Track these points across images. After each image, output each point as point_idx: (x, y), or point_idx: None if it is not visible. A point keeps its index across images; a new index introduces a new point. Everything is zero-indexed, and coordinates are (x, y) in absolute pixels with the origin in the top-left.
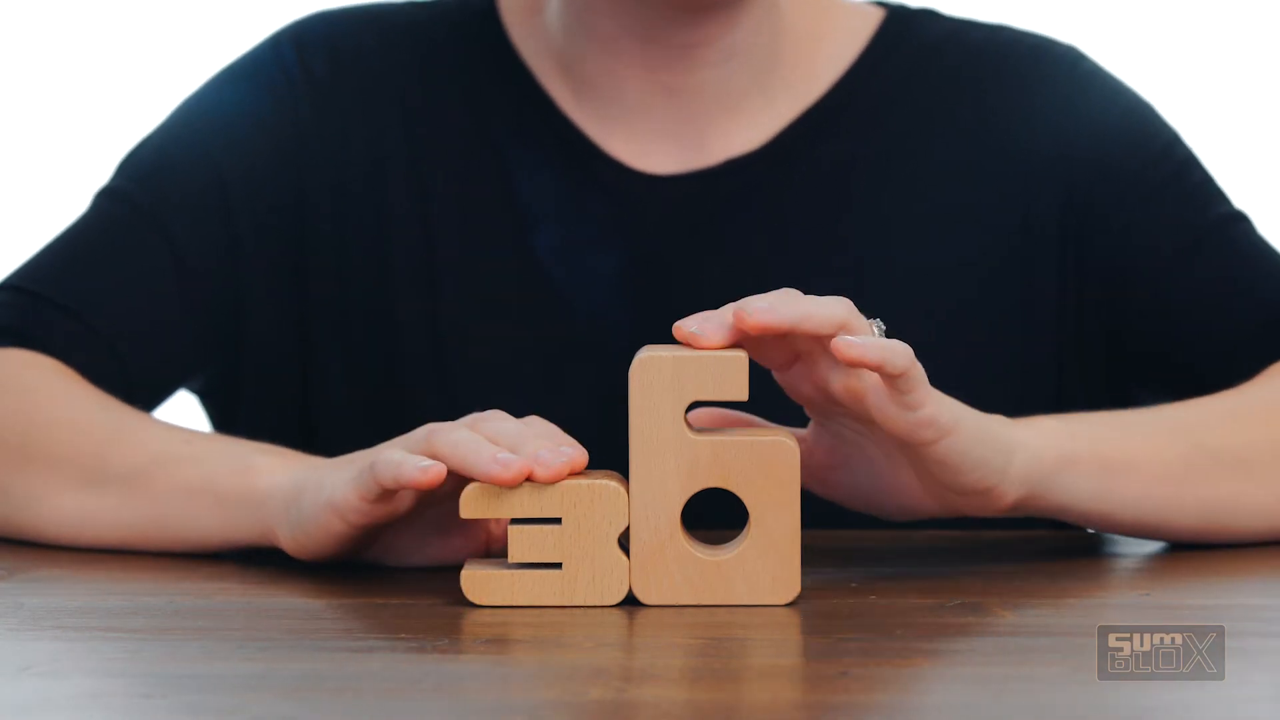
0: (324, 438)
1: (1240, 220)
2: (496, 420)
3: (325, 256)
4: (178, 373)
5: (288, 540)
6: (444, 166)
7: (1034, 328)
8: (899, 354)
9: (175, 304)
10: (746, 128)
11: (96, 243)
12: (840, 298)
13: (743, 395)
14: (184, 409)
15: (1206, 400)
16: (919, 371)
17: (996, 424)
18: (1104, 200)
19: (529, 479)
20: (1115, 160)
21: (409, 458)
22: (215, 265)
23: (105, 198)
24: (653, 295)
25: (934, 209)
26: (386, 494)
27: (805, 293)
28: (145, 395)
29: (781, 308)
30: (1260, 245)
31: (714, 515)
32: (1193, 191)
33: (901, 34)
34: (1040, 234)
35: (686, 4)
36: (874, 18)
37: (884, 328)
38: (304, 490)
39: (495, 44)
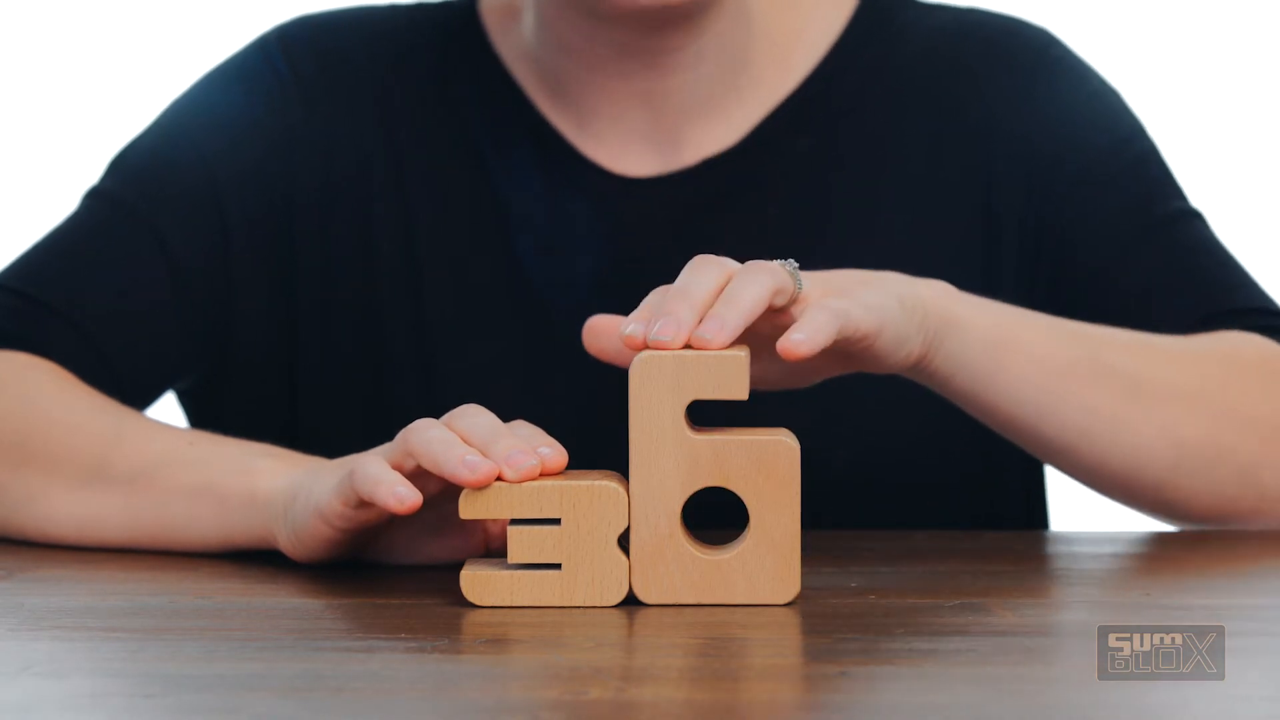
0: (307, 438)
1: (1192, 217)
2: (471, 416)
3: (313, 257)
4: (168, 373)
5: (285, 543)
6: (424, 168)
7: None
8: (830, 320)
9: (167, 306)
10: (721, 127)
11: (88, 244)
12: (759, 269)
13: (743, 394)
14: (168, 407)
15: (1127, 331)
16: (840, 311)
17: (903, 285)
18: (1059, 187)
19: (525, 478)
20: (1073, 147)
21: (386, 475)
22: (206, 265)
23: (96, 198)
24: (632, 297)
25: (906, 196)
26: (366, 502)
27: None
28: (136, 397)
29: (731, 317)
30: (1209, 242)
31: (714, 515)
32: (1148, 184)
33: (874, 23)
34: (1003, 219)
35: (643, 16)
36: (847, 7)
37: (795, 264)
38: (298, 494)
39: (475, 46)
